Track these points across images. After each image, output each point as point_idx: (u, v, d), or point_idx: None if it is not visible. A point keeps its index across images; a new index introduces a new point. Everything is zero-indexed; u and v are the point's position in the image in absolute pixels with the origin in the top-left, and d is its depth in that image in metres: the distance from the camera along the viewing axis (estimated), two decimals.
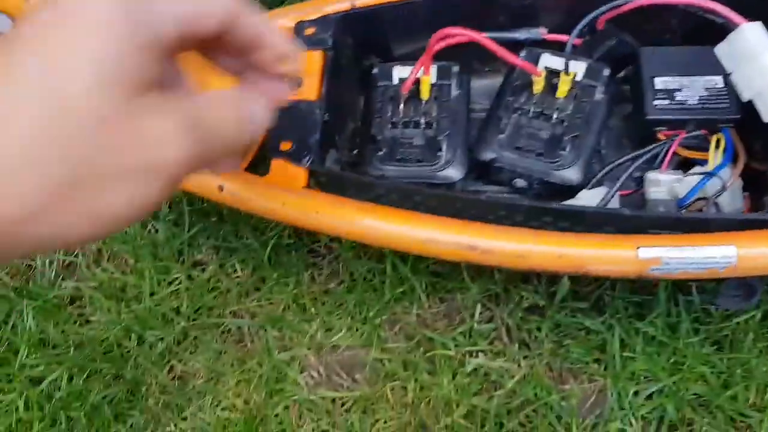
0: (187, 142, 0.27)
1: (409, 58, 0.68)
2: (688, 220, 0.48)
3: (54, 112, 0.23)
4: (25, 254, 0.26)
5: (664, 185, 0.53)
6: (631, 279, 0.65)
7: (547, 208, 0.49)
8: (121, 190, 0.26)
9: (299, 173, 0.57)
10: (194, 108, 0.28)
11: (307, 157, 0.56)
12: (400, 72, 0.65)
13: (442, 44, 0.58)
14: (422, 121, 0.62)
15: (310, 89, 0.56)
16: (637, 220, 0.48)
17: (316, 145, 0.56)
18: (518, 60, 0.59)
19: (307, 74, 0.57)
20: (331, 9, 0.63)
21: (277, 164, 0.58)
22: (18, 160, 0.23)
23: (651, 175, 0.54)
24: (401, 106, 0.63)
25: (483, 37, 0.57)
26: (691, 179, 0.56)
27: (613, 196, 0.55)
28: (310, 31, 0.60)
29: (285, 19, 0.64)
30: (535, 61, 0.61)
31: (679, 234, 0.49)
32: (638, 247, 0.48)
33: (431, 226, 0.51)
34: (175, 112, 0.27)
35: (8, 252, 0.25)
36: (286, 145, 0.57)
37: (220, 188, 0.56)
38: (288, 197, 0.55)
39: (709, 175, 0.55)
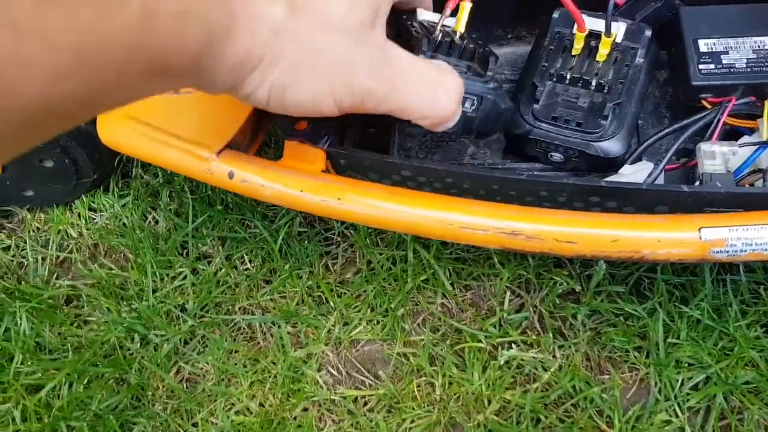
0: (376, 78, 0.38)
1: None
2: (754, 196, 0.44)
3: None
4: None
5: (719, 157, 0.50)
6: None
7: (595, 187, 0.45)
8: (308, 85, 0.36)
9: (317, 155, 0.53)
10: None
11: (325, 138, 0.52)
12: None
13: None
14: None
15: None
16: (696, 197, 0.44)
17: (334, 124, 0.52)
18: (573, 5, 0.55)
19: None
20: None
21: (291, 146, 0.54)
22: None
23: (705, 146, 0.50)
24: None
25: None
26: (744, 150, 0.53)
27: (662, 171, 0.51)
28: None
29: None
30: (572, 23, 0.57)
31: (740, 212, 0.45)
32: (700, 228, 0.44)
33: (470, 210, 0.48)
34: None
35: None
36: (301, 125, 0.53)
37: (230, 175, 0.52)
38: (307, 183, 0.51)
39: (765, 145, 0.51)
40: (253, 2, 0.32)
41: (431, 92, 0.41)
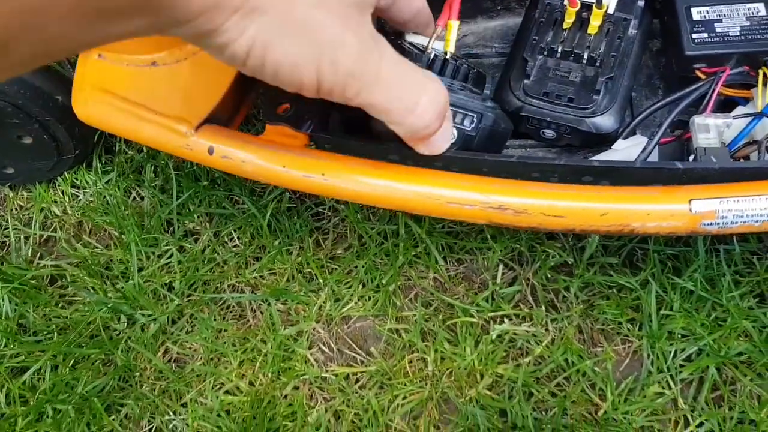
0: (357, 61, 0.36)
1: None
2: (749, 171, 0.44)
3: None
4: None
5: (713, 131, 0.50)
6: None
7: (588, 167, 0.45)
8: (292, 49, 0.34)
9: (299, 138, 0.53)
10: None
11: (308, 123, 0.52)
12: None
13: None
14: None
15: None
16: (690, 174, 0.44)
17: (318, 108, 0.51)
18: None
19: None
20: None
21: (273, 130, 0.54)
22: None
23: (698, 120, 0.50)
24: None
25: None
26: (738, 122, 0.53)
27: (656, 146, 0.51)
28: None
29: None
30: None
31: (736, 184, 0.45)
32: (691, 200, 0.44)
33: (453, 185, 0.48)
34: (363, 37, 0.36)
35: None
36: (282, 108, 0.52)
37: (210, 150, 0.52)
38: (289, 158, 0.51)
39: (761, 115, 0.51)
40: None
41: (413, 95, 0.39)
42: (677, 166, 0.45)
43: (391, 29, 0.48)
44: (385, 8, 0.45)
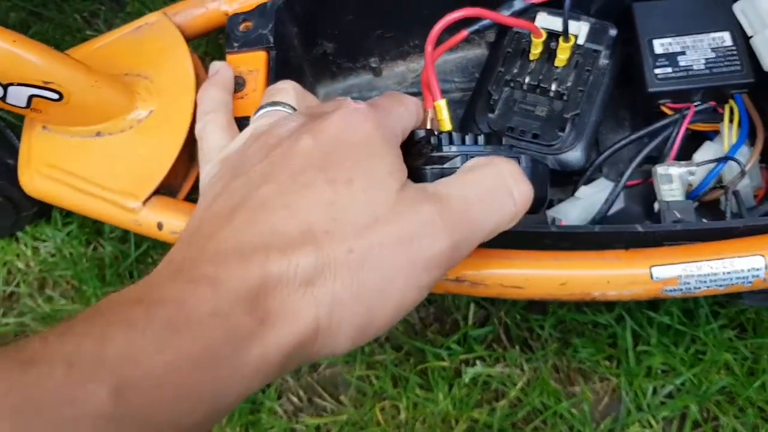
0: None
1: (367, 38, 0.62)
2: (713, 231, 0.43)
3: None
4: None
5: (677, 180, 0.48)
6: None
7: (546, 233, 0.44)
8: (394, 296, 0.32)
9: None
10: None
11: None
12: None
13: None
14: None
15: (255, 102, 0.50)
16: (652, 235, 0.43)
17: None
18: (522, 22, 0.52)
19: (249, 82, 0.51)
20: None
21: None
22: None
23: (661, 170, 0.49)
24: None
25: (483, 11, 0.49)
26: (703, 168, 0.51)
27: (618, 194, 0.50)
28: (246, 25, 0.53)
29: (219, 2, 0.57)
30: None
31: (699, 244, 0.44)
32: (651, 267, 0.43)
33: None
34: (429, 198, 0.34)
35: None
36: None
37: (159, 226, 0.51)
38: None
39: (726, 159, 0.50)
40: (281, 292, 0.30)
41: (503, 190, 0.36)
42: (637, 230, 0.44)
43: None
44: None
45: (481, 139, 0.42)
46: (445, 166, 0.39)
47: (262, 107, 0.41)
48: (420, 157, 0.40)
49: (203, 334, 0.27)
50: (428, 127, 0.45)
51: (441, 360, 0.65)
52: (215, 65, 0.51)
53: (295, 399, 0.66)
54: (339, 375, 0.67)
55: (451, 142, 0.41)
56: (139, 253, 0.71)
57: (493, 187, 0.36)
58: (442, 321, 0.67)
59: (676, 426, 0.61)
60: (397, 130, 0.38)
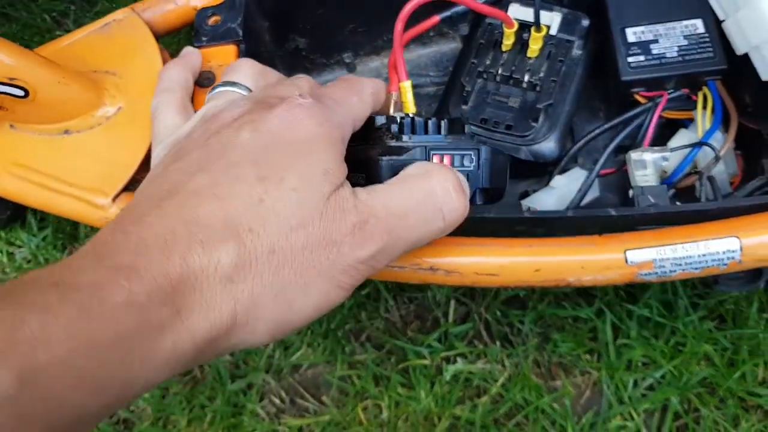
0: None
1: (340, 33, 0.61)
2: (686, 214, 0.42)
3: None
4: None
5: (651, 166, 0.48)
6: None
7: (519, 218, 0.43)
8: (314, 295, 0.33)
9: None
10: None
11: None
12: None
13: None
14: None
15: None
16: (626, 220, 0.43)
17: None
18: (493, 9, 0.51)
19: (219, 76, 0.50)
20: None
21: None
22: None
23: (634, 156, 0.48)
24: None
25: None
26: (677, 153, 0.51)
27: (592, 183, 0.49)
28: (215, 19, 0.52)
29: None
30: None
31: (674, 227, 0.44)
32: (625, 251, 0.42)
33: None
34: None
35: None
36: None
37: None
38: None
39: (699, 145, 0.49)
40: (198, 282, 0.30)
41: (432, 206, 0.36)
42: (610, 213, 0.43)
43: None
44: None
45: (444, 125, 0.41)
46: (402, 157, 0.38)
47: (216, 86, 0.40)
48: (379, 146, 0.40)
49: (116, 322, 0.26)
50: (392, 110, 0.44)
51: (422, 358, 0.64)
52: (185, 49, 0.50)
53: (277, 400, 0.65)
54: (321, 375, 0.66)
55: (413, 130, 0.40)
56: None
57: (423, 200, 0.35)
58: (423, 318, 0.66)
59: (657, 418, 0.60)
60: (346, 123, 0.37)
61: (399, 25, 0.46)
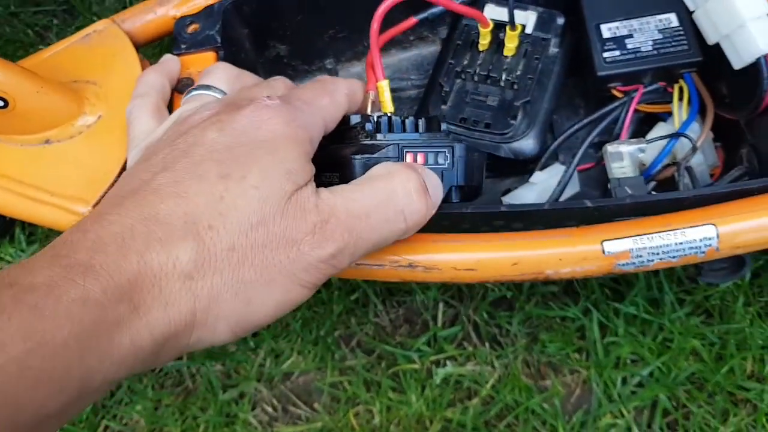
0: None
1: (320, 39, 0.61)
2: (663, 203, 0.42)
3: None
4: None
5: (628, 158, 0.48)
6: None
7: (497, 213, 0.43)
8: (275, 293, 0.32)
9: None
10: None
11: None
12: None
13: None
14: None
15: None
16: (602, 211, 0.42)
17: None
18: (467, 8, 0.52)
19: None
20: None
21: None
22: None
23: (611, 148, 0.48)
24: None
25: None
26: (654, 145, 0.51)
27: (570, 177, 0.49)
28: (193, 27, 0.53)
29: (167, 7, 0.57)
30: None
31: (651, 217, 0.43)
32: (602, 242, 0.42)
33: None
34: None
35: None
36: None
37: None
38: None
39: (676, 136, 0.49)
40: (154, 275, 0.29)
41: (393, 207, 0.36)
42: (586, 205, 0.43)
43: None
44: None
45: (421, 123, 0.41)
46: (374, 155, 0.38)
47: (191, 90, 0.41)
48: (353, 145, 0.40)
49: (71, 320, 0.26)
50: (369, 109, 0.44)
51: (412, 362, 0.64)
52: (164, 56, 0.50)
53: (269, 408, 0.65)
54: (312, 382, 0.65)
55: (389, 128, 0.40)
56: None
57: (384, 201, 0.35)
58: (412, 322, 0.66)
59: (647, 415, 0.59)
60: (314, 124, 0.37)
61: (375, 24, 0.46)
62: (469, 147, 0.41)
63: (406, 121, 0.41)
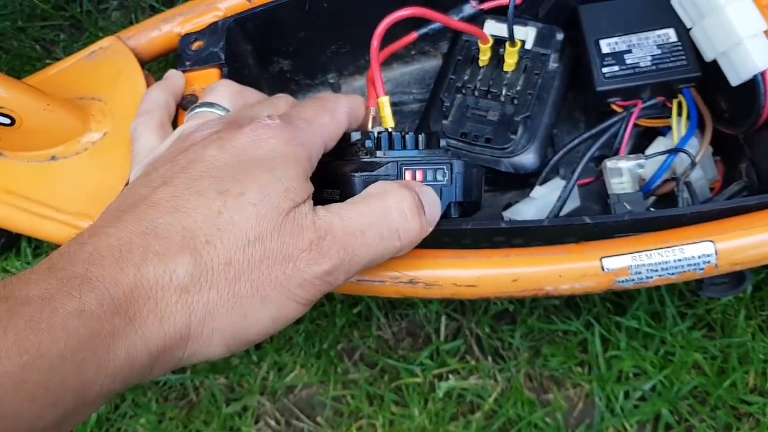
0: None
1: (323, 54, 0.62)
2: (662, 219, 0.42)
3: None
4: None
5: (627, 174, 0.48)
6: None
7: (497, 229, 0.43)
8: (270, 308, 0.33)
9: None
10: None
11: None
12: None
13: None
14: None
15: None
16: (601, 227, 0.43)
17: None
18: (467, 25, 0.52)
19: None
20: (223, 5, 0.56)
21: None
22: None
23: (610, 164, 0.48)
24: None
25: (429, 11, 0.49)
26: (653, 160, 0.51)
27: (570, 192, 0.49)
28: (198, 44, 0.53)
29: (172, 24, 0.57)
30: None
31: (650, 234, 0.44)
32: (601, 258, 0.42)
33: None
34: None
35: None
36: None
37: None
38: None
39: (675, 151, 0.49)
40: (152, 289, 0.30)
41: (388, 225, 0.36)
42: (586, 221, 0.43)
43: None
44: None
45: (421, 139, 0.41)
46: (374, 172, 0.39)
47: (195, 107, 0.41)
48: (353, 162, 0.40)
49: (66, 332, 0.26)
50: (369, 125, 0.44)
51: (415, 376, 0.64)
52: (168, 72, 0.51)
53: (272, 422, 0.65)
54: (315, 396, 0.65)
55: (390, 145, 0.41)
56: None
57: (379, 220, 0.36)
58: (415, 335, 0.66)
59: (649, 429, 0.59)
60: (314, 142, 0.38)
61: (375, 42, 0.46)
62: (468, 163, 0.42)
63: (407, 137, 0.41)
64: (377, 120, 0.45)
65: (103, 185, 0.52)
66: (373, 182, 0.38)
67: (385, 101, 0.45)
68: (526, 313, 0.64)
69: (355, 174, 0.39)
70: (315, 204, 0.36)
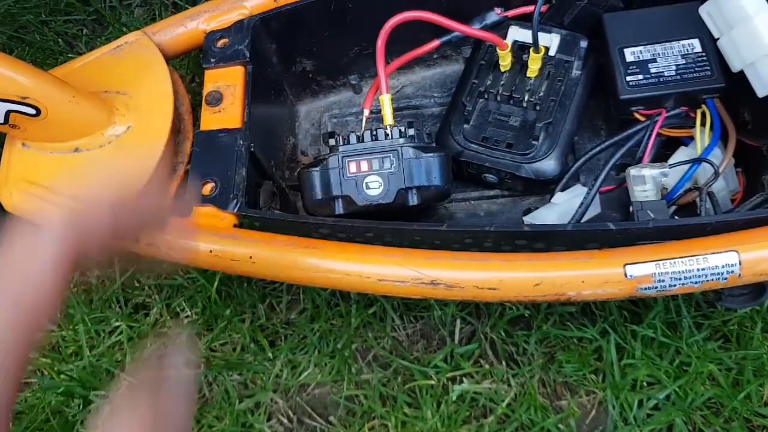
0: None
1: (346, 55, 0.62)
2: (686, 227, 0.42)
3: None
4: None
5: (650, 182, 0.48)
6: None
7: (519, 232, 0.43)
8: None
9: (228, 218, 0.50)
10: None
11: (235, 201, 0.50)
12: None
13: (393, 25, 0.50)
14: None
15: (231, 115, 0.50)
16: (625, 233, 0.42)
17: (244, 183, 0.49)
18: (479, 32, 0.52)
19: (227, 96, 0.50)
20: (249, 4, 0.56)
21: (200, 212, 0.52)
22: None
23: (634, 171, 0.48)
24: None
25: (435, 15, 0.50)
26: (676, 169, 0.51)
27: (593, 199, 0.49)
28: (223, 42, 0.53)
29: (197, 21, 0.57)
30: (503, 36, 0.55)
31: (674, 242, 0.43)
32: (625, 265, 0.42)
33: (383, 261, 0.46)
34: None
35: None
36: (208, 188, 0.50)
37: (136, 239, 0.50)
38: (216, 241, 0.48)
39: (699, 161, 0.49)
40: None
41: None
42: (610, 228, 0.43)
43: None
44: None
45: (374, 133, 0.46)
46: (318, 168, 0.45)
47: None
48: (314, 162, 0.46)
49: None
50: (364, 125, 0.47)
51: (428, 378, 0.63)
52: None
53: (285, 420, 0.64)
54: (328, 395, 0.65)
55: (359, 140, 0.46)
56: (126, 278, 0.70)
57: None
58: (429, 338, 0.66)
59: None
60: None
61: (380, 41, 0.47)
62: (427, 147, 0.44)
63: (365, 134, 0.45)
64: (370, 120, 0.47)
65: (126, 179, 0.51)
66: (322, 174, 0.46)
67: (386, 99, 0.45)
68: (541, 319, 0.63)
69: (305, 169, 0.45)
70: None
